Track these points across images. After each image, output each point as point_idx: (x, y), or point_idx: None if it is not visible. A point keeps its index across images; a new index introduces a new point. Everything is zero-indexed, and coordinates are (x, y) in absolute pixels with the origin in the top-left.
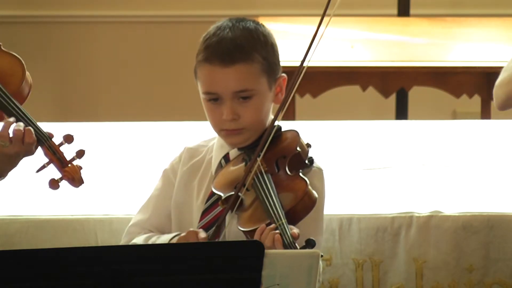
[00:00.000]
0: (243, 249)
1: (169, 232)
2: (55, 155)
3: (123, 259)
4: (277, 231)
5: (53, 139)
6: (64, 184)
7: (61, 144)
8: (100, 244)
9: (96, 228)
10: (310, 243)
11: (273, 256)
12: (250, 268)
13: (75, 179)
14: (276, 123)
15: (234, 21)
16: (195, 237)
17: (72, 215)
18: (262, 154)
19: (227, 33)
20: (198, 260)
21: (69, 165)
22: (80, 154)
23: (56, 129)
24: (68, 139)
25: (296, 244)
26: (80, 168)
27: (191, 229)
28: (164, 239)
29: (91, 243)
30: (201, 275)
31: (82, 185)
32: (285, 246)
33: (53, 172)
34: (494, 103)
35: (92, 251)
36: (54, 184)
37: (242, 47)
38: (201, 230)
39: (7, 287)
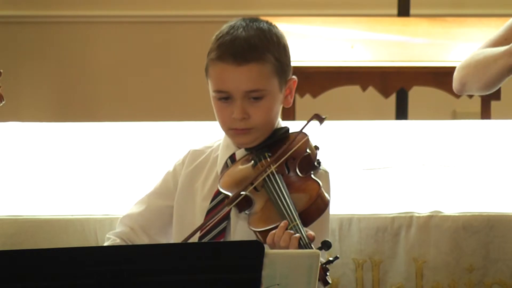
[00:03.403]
0: (243, 249)
1: (155, 231)
2: None
3: (123, 259)
4: (292, 231)
5: None
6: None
7: None
8: (100, 244)
9: (96, 228)
10: (326, 245)
11: (273, 256)
12: (250, 268)
13: None
14: (281, 124)
15: (248, 21)
16: None
17: (72, 215)
18: (283, 159)
19: (240, 32)
20: (198, 260)
21: None
22: None
23: (56, 129)
24: None
25: (312, 246)
26: None
27: None
28: None
29: (91, 243)
30: (201, 275)
31: (3, 102)
32: (301, 247)
33: None
34: (453, 86)
35: (93, 251)
36: None
37: (255, 47)
38: None
39: (7, 287)
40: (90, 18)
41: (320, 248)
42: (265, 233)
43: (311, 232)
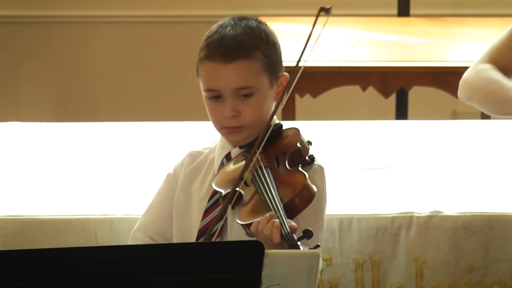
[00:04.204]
0: (243, 249)
1: (171, 236)
2: None
3: (123, 259)
4: (276, 219)
5: None
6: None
7: None
8: (100, 244)
9: (96, 228)
10: (307, 234)
11: (273, 256)
12: (250, 268)
13: None
14: (276, 121)
15: (237, 19)
16: None
17: (72, 215)
18: (259, 150)
19: (228, 30)
20: (198, 260)
21: None
22: None
23: (56, 129)
24: None
25: (294, 235)
26: None
27: None
28: None
29: (91, 243)
30: (201, 275)
31: None
32: (283, 237)
33: None
34: (458, 92)
35: (92, 251)
36: None
37: (243, 44)
38: None
39: (7, 287)
40: (90, 18)
41: (301, 237)
42: (250, 226)
43: (293, 223)
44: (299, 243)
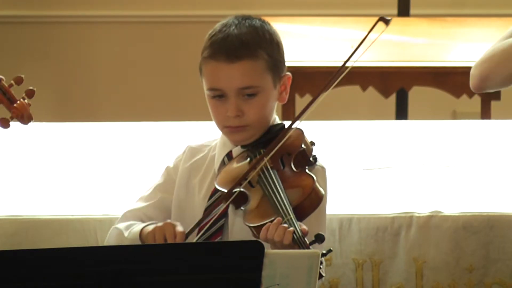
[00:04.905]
0: (243, 249)
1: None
2: (5, 96)
3: (123, 259)
4: (286, 225)
5: (3, 81)
6: (14, 122)
7: (10, 85)
8: (100, 244)
9: (96, 228)
10: (319, 238)
11: (273, 256)
12: (250, 268)
13: (24, 116)
14: (278, 121)
15: (240, 18)
16: (172, 229)
17: (72, 215)
18: (272, 154)
19: (232, 30)
20: (198, 260)
21: (18, 102)
22: (29, 93)
23: (56, 129)
24: (18, 80)
25: (306, 239)
26: (29, 105)
27: (169, 220)
28: (139, 227)
29: (91, 243)
30: (201, 275)
31: (31, 121)
32: (295, 241)
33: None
34: (470, 84)
35: (93, 251)
36: (4, 122)
37: (247, 44)
38: (178, 223)
39: (7, 287)
40: (90, 18)
41: (313, 242)
42: (259, 228)
43: (304, 227)
44: (311, 247)
